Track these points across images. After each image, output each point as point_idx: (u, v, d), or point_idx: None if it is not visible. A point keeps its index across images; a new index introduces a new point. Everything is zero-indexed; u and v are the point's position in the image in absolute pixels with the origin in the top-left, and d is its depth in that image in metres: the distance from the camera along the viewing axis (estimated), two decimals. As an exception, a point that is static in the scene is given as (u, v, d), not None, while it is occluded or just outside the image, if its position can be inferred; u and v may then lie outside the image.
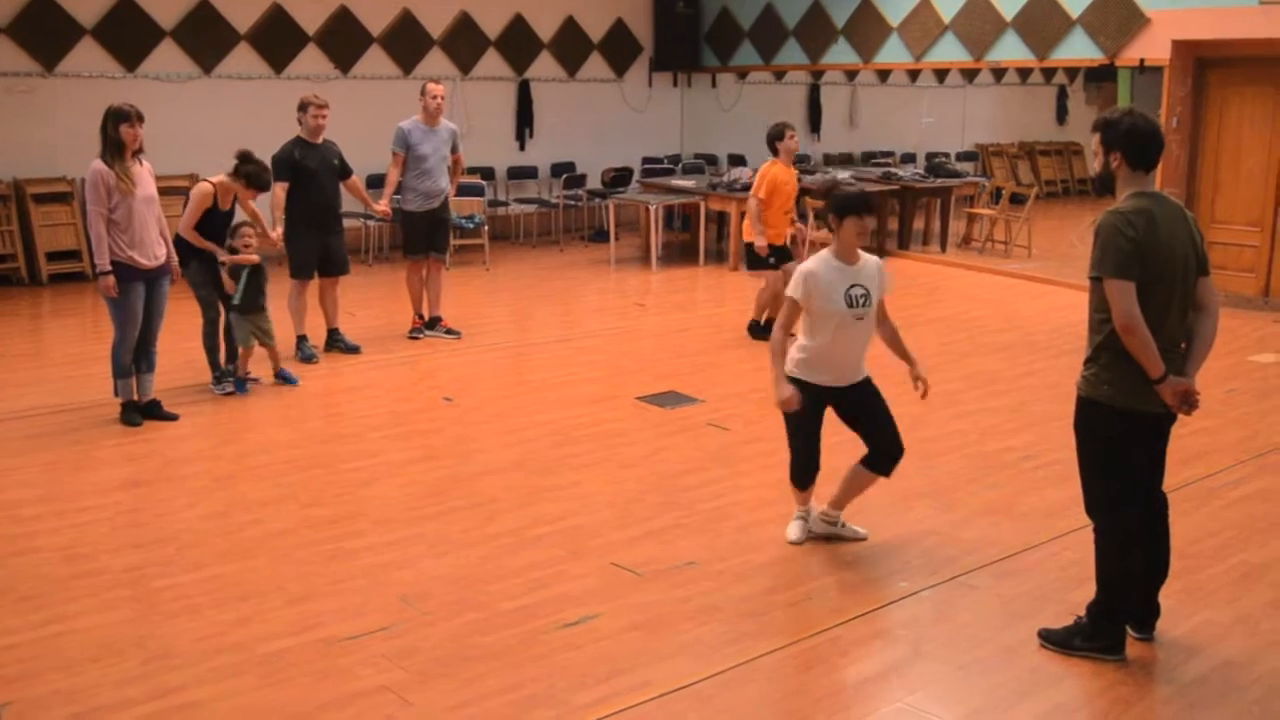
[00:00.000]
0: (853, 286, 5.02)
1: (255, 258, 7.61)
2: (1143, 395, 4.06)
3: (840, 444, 5.44)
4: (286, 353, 8.51)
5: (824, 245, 5.28)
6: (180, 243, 7.39)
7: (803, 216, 11.91)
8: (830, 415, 5.23)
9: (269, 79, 12.85)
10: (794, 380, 5.10)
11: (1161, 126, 10.39)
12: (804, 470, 5.22)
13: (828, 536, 5.40)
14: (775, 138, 9.22)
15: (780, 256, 9.17)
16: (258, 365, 7.91)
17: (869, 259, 5.16)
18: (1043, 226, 15.05)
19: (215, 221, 7.51)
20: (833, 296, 4.99)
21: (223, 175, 7.51)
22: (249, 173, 7.50)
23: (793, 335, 5.20)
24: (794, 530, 5.37)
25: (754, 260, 9.26)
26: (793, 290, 5.06)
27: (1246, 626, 4.57)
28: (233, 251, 7.56)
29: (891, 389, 5.34)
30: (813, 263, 5.08)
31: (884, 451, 5.21)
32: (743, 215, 12.49)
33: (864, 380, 5.22)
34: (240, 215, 7.77)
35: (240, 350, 7.67)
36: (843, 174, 14.43)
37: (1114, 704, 4.03)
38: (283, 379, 7.88)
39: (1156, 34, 11.05)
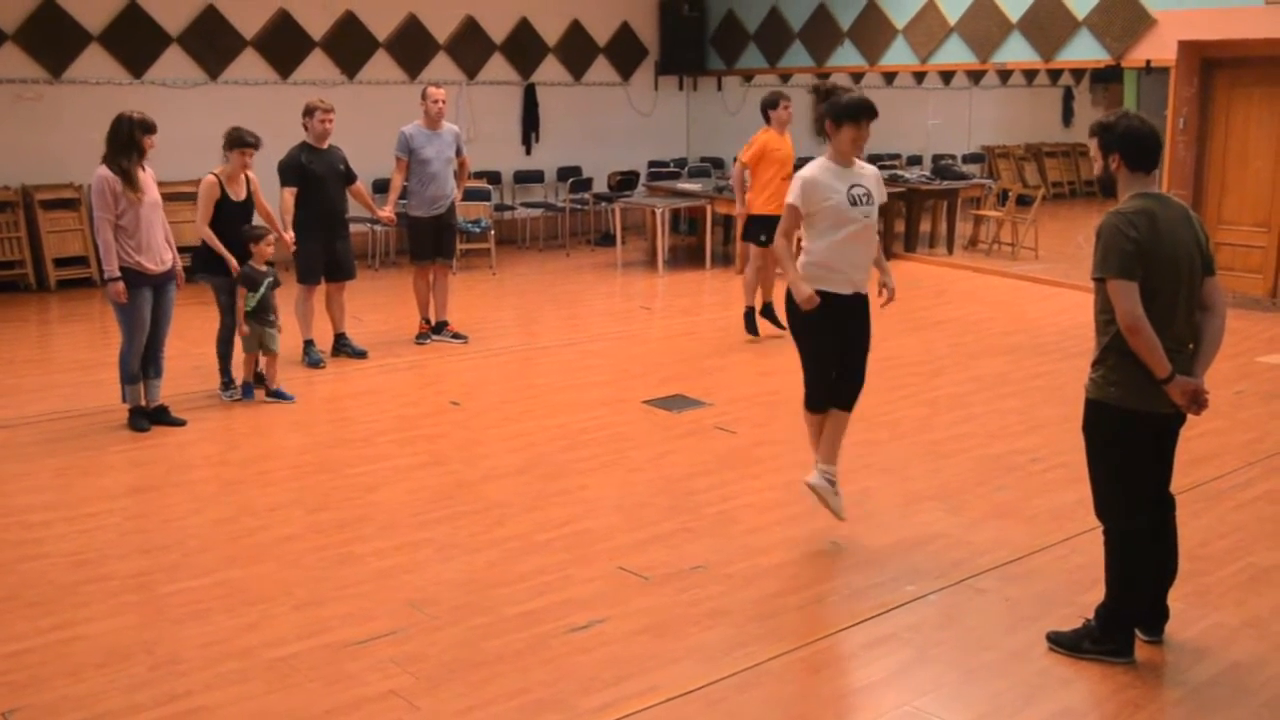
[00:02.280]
0: (853, 186, 5.06)
1: (264, 267, 7.61)
2: (1151, 396, 4.05)
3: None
4: (294, 358, 8.54)
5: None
6: (203, 248, 7.45)
7: None
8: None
9: (275, 84, 12.88)
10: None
11: (1164, 128, 10.38)
12: (819, 385, 5.20)
13: (823, 498, 5.39)
14: (769, 105, 9.23)
15: (772, 233, 9.11)
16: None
17: (865, 165, 5.18)
18: (1049, 228, 15.01)
19: (233, 214, 7.55)
20: (835, 196, 5.01)
21: (220, 166, 7.60)
22: (229, 139, 7.57)
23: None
24: (834, 503, 5.36)
25: (748, 231, 9.24)
26: (792, 196, 5.06)
27: (1256, 629, 4.55)
28: (247, 257, 7.59)
29: (890, 393, 5.32)
30: (810, 169, 5.10)
31: (850, 379, 5.26)
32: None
33: (863, 305, 5.21)
34: (258, 219, 7.80)
35: (245, 356, 7.65)
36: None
37: (1123, 707, 4.01)
38: (277, 396, 7.68)
39: (1163, 35, 11.02)
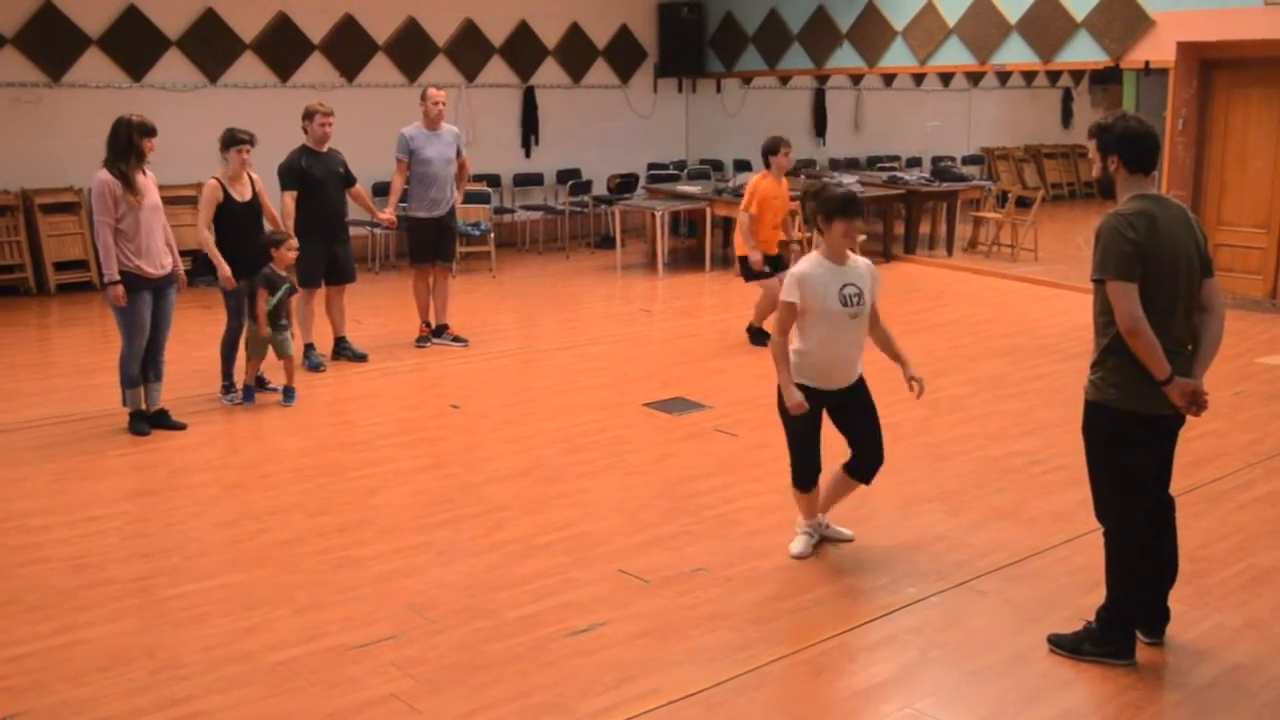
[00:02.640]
0: (845, 286, 5.02)
1: (283, 272, 7.63)
2: (1150, 398, 4.06)
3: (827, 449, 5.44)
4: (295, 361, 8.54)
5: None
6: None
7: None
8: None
9: (275, 88, 12.88)
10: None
11: (1164, 129, 10.38)
12: (806, 472, 5.20)
13: (818, 539, 5.38)
14: (769, 151, 9.24)
15: (775, 266, 9.17)
16: (277, 371, 7.93)
17: (858, 259, 5.16)
18: (1049, 229, 15.02)
19: (240, 215, 7.56)
20: (826, 296, 4.99)
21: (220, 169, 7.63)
22: (223, 140, 7.60)
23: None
24: (798, 545, 5.32)
25: (749, 272, 9.29)
26: (787, 294, 5.05)
27: (1257, 631, 4.55)
28: (264, 260, 7.62)
29: (890, 395, 5.33)
30: (804, 265, 5.08)
31: (866, 459, 5.24)
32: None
33: (859, 383, 5.21)
34: (268, 226, 7.81)
35: (248, 361, 7.65)
36: (849, 179, 14.43)
37: (1124, 709, 4.02)
38: (288, 395, 7.69)
39: (1161, 36, 11.03)
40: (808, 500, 5.32)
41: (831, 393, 5.14)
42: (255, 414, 7.53)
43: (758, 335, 9.44)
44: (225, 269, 7.41)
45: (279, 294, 7.55)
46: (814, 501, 5.33)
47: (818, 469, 5.20)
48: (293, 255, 7.64)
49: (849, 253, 5.11)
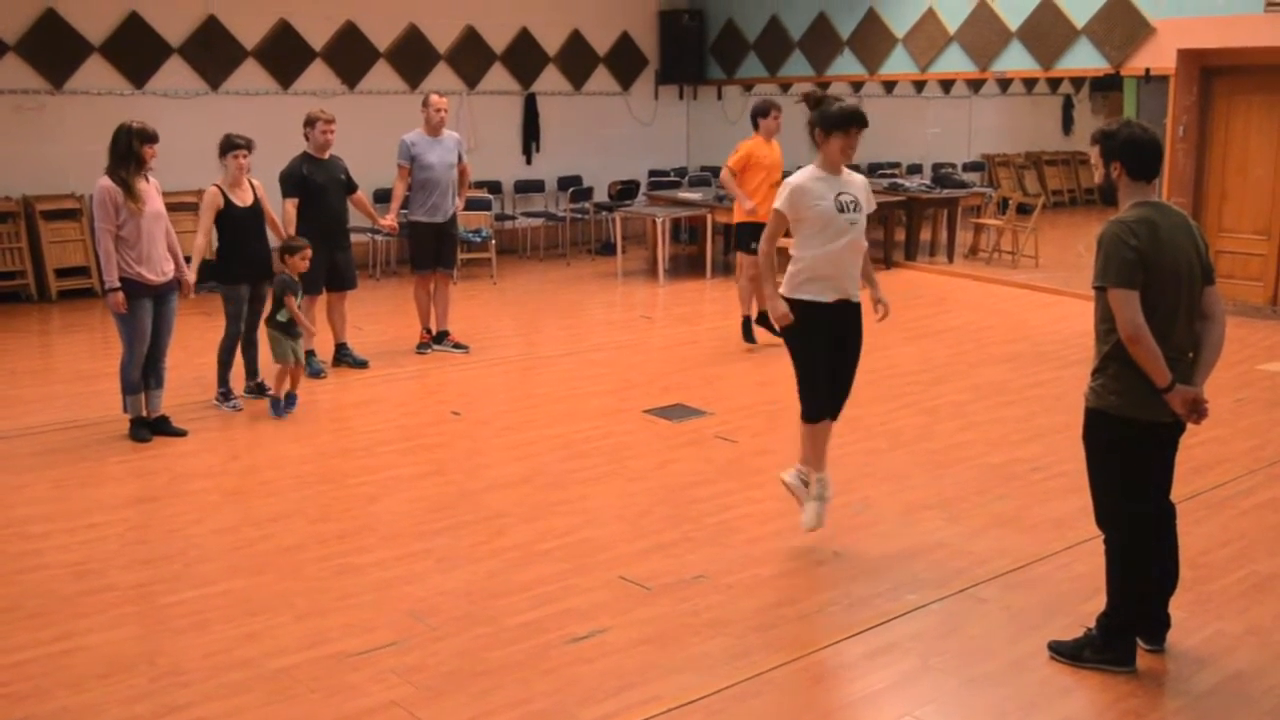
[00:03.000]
0: (841, 194, 5.07)
1: (297, 278, 7.62)
2: (1151, 405, 4.06)
3: (827, 452, 5.43)
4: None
5: None
6: (213, 257, 7.47)
7: None
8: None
9: (276, 95, 12.90)
10: (795, 301, 5.12)
11: (1164, 136, 10.39)
12: (815, 396, 5.19)
13: (796, 495, 5.41)
14: (759, 113, 9.29)
15: (755, 238, 9.16)
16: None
17: (854, 174, 5.18)
18: (1050, 236, 15.03)
19: (242, 220, 7.58)
20: (824, 203, 5.02)
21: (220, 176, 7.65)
22: (221, 146, 7.62)
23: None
24: (810, 514, 5.30)
25: (740, 239, 9.36)
26: (779, 202, 5.08)
27: (1258, 637, 4.54)
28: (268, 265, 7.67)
29: (891, 402, 5.32)
30: (798, 176, 5.11)
31: (838, 389, 5.25)
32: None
33: (856, 311, 5.22)
34: (273, 239, 7.83)
35: (279, 368, 7.55)
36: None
37: (1124, 716, 4.01)
38: (289, 401, 7.62)
39: (1162, 43, 11.05)
40: (816, 436, 5.29)
41: (832, 308, 5.12)
42: (256, 421, 7.53)
43: (749, 327, 9.46)
44: (188, 278, 7.23)
45: (297, 299, 7.53)
46: (824, 441, 5.31)
47: (828, 393, 5.19)
48: (305, 265, 7.62)
49: (844, 168, 5.13)
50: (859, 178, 5.22)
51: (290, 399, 7.63)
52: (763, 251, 5.17)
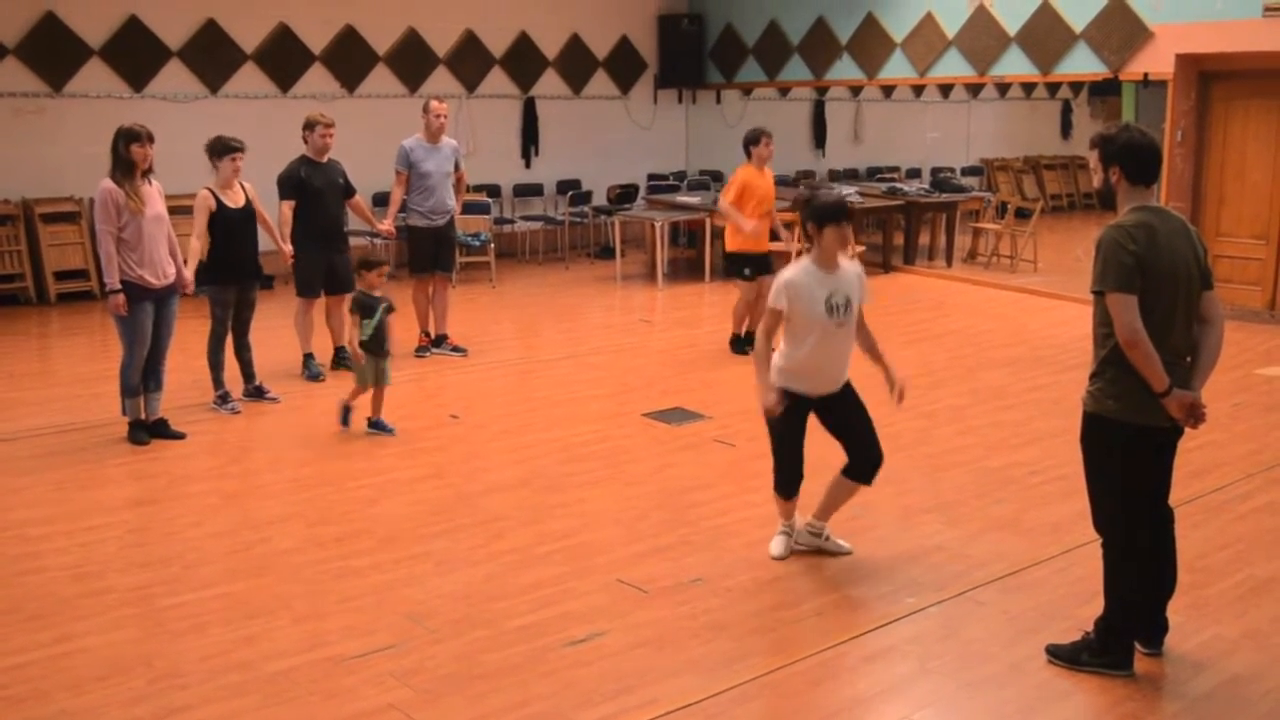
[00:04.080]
0: (833, 294, 5.04)
1: (377, 294, 7.26)
2: (1149, 409, 4.06)
3: (824, 457, 5.43)
4: (293, 371, 8.55)
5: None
6: (207, 259, 7.46)
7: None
8: (815, 425, 5.23)
9: (275, 98, 12.91)
10: (779, 390, 5.12)
11: (1162, 140, 10.42)
12: (789, 480, 5.23)
13: (815, 550, 5.39)
14: (750, 142, 9.30)
15: (757, 268, 9.20)
16: (276, 381, 7.92)
17: (848, 266, 5.17)
18: (1048, 240, 15.05)
19: (234, 222, 7.57)
20: (813, 305, 5.00)
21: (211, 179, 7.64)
22: (216, 149, 7.57)
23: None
24: (777, 545, 5.37)
25: (730, 268, 9.33)
26: (774, 300, 5.07)
27: (1255, 641, 4.55)
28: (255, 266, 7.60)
29: (888, 404, 5.32)
30: (792, 271, 5.09)
31: (864, 460, 5.23)
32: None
33: (846, 387, 5.22)
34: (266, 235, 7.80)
35: (355, 388, 7.29)
36: (848, 189, 14.46)
37: (1122, 719, 4.02)
38: (377, 428, 7.25)
39: (1160, 48, 11.06)
40: (788, 506, 5.36)
41: (818, 398, 5.15)
42: (254, 424, 7.53)
43: (739, 343, 9.49)
44: (187, 276, 7.21)
45: (377, 316, 7.14)
46: (793, 507, 5.36)
47: (800, 476, 5.22)
48: (380, 280, 7.25)
49: (840, 259, 5.12)
50: (853, 269, 5.16)
51: (379, 424, 7.27)
52: (759, 344, 5.14)
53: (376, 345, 7.17)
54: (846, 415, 5.22)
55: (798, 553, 5.40)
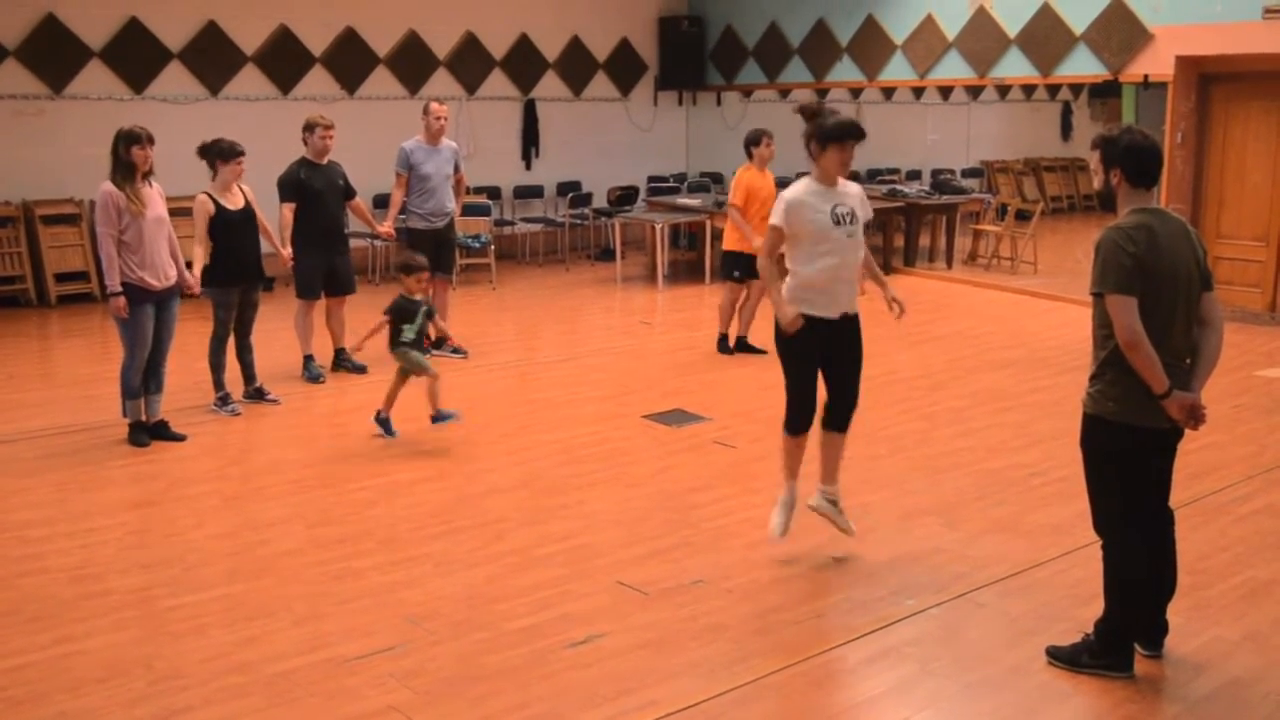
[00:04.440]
0: (837, 206, 5.07)
1: (418, 298, 7.20)
2: (1148, 411, 4.06)
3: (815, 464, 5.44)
4: (293, 373, 8.55)
5: None
6: (210, 261, 7.45)
7: None
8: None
9: (276, 100, 12.92)
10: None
11: (1162, 142, 10.43)
12: (802, 411, 5.21)
13: (829, 517, 5.42)
14: (751, 142, 9.32)
15: (746, 271, 9.19)
16: (277, 382, 7.93)
17: (849, 184, 5.18)
18: (1048, 242, 15.05)
19: (234, 224, 7.55)
20: (820, 216, 5.02)
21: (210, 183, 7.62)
22: (220, 153, 7.54)
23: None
24: (777, 519, 5.34)
25: (726, 269, 9.39)
26: (776, 218, 5.07)
27: (1255, 643, 4.55)
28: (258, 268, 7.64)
29: (890, 408, 5.32)
30: (793, 189, 5.11)
31: (841, 403, 5.26)
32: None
33: (854, 320, 5.22)
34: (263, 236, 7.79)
35: (388, 395, 7.21)
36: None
37: (1123, 721, 4.02)
38: (443, 419, 7.06)
39: (1160, 50, 11.07)
40: (795, 449, 5.31)
41: (829, 322, 5.12)
42: (254, 426, 7.53)
43: (725, 345, 9.52)
44: (189, 278, 7.22)
45: (418, 321, 7.12)
46: (799, 454, 5.33)
47: (813, 409, 5.21)
48: (422, 286, 7.24)
49: (839, 179, 5.14)
50: (854, 187, 5.22)
51: (444, 415, 7.08)
52: (763, 264, 5.16)
53: (417, 344, 7.17)
54: (843, 353, 5.21)
55: (797, 554, 5.40)
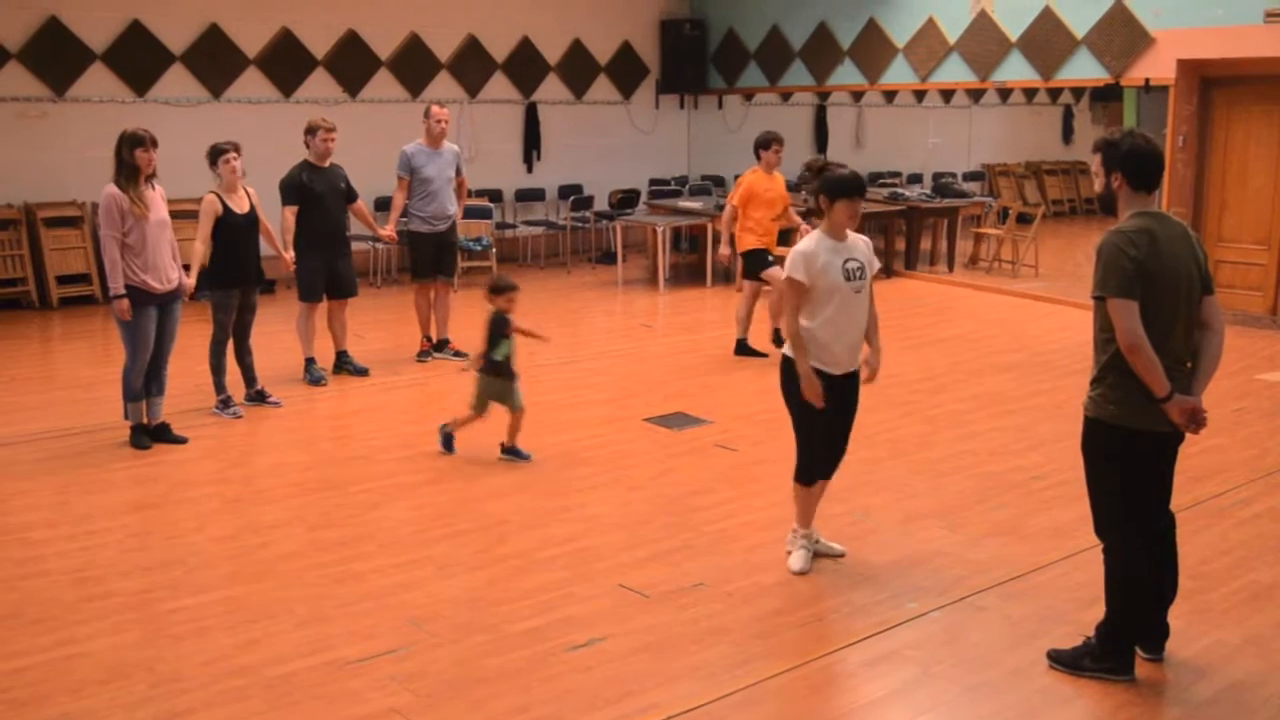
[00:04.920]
0: (847, 261, 5.06)
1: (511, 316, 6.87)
2: (1150, 415, 4.06)
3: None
4: (295, 375, 8.55)
5: None
6: (210, 263, 7.46)
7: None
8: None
9: (278, 103, 12.93)
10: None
11: (1164, 147, 10.43)
12: (814, 461, 5.21)
13: (819, 554, 5.40)
14: (761, 145, 9.33)
15: (761, 265, 9.18)
16: (278, 385, 7.94)
17: (857, 236, 5.19)
18: (1050, 246, 15.05)
19: (239, 228, 7.56)
20: (829, 271, 5.02)
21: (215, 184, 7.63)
22: (210, 155, 7.55)
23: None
24: (798, 560, 5.31)
25: (749, 268, 9.34)
26: (793, 271, 5.04)
27: (1257, 647, 4.55)
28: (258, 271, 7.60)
29: (891, 410, 5.32)
30: (806, 243, 5.10)
31: (832, 450, 5.26)
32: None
33: (854, 378, 5.22)
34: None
35: (469, 413, 6.89)
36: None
37: (1124, 725, 4.02)
38: (514, 454, 6.86)
39: (1161, 54, 11.07)
40: (809, 498, 5.31)
41: (835, 379, 5.12)
42: (256, 428, 7.54)
43: (744, 347, 9.51)
44: (186, 282, 7.20)
45: (510, 344, 6.83)
46: (815, 501, 5.33)
47: (825, 459, 5.21)
48: (512, 305, 6.90)
49: (848, 231, 5.15)
50: (862, 239, 5.21)
51: (518, 452, 6.86)
52: (791, 327, 5.08)
53: (507, 368, 6.83)
54: (841, 407, 5.19)
55: (799, 558, 5.41)
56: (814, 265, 5.01)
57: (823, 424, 5.15)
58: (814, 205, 5.17)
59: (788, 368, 5.13)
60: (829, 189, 5.04)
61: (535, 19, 14.93)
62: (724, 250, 9.28)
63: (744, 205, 9.24)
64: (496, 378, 6.80)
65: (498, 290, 6.92)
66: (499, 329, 6.79)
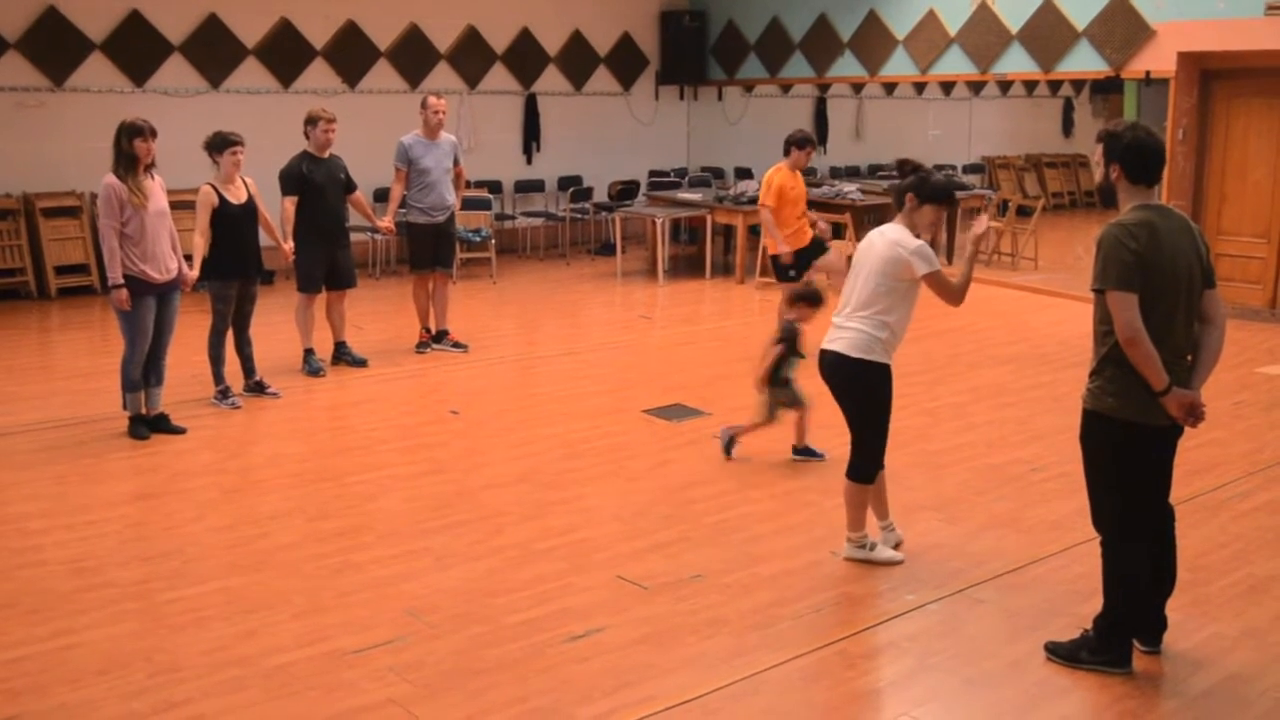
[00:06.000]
0: None
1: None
2: (1148, 408, 4.06)
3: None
4: (294, 366, 8.55)
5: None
6: (210, 254, 7.44)
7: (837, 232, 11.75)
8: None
9: (277, 93, 12.91)
10: (882, 365, 5.08)
11: (1166, 140, 10.44)
12: (880, 458, 5.20)
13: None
14: (795, 144, 9.06)
15: (801, 265, 9.09)
16: (277, 376, 7.94)
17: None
18: (1049, 238, 15.05)
19: (236, 218, 7.55)
20: None
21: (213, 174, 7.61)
22: (214, 144, 7.53)
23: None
24: (890, 552, 5.29)
25: (781, 272, 9.17)
26: (934, 262, 5.06)
27: (1254, 640, 4.55)
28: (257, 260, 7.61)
29: (898, 404, 5.31)
30: (913, 240, 5.11)
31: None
32: (751, 229, 12.52)
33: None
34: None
35: (758, 421, 6.60)
36: (849, 187, 14.47)
37: (1120, 717, 4.02)
38: (807, 454, 6.66)
39: (1162, 46, 11.06)
40: (869, 495, 5.26)
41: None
42: (254, 419, 7.53)
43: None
44: (187, 272, 7.20)
45: (795, 364, 6.51)
46: (879, 494, 5.32)
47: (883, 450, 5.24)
48: (806, 320, 6.55)
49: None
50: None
51: (811, 451, 6.67)
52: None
53: (783, 375, 6.53)
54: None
55: (796, 550, 5.41)
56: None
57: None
58: (895, 200, 5.19)
59: (865, 370, 5.05)
60: (924, 191, 5.07)
61: (535, 10, 14.90)
62: (784, 248, 9.09)
63: (777, 204, 9.12)
64: (785, 387, 6.53)
65: (806, 300, 6.59)
66: (793, 347, 6.48)
